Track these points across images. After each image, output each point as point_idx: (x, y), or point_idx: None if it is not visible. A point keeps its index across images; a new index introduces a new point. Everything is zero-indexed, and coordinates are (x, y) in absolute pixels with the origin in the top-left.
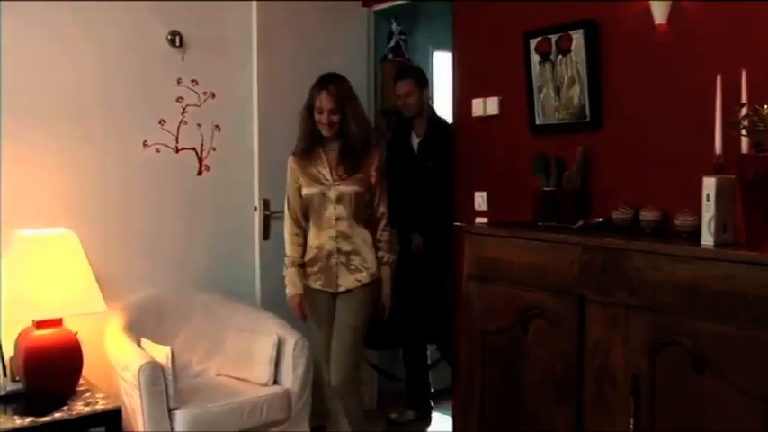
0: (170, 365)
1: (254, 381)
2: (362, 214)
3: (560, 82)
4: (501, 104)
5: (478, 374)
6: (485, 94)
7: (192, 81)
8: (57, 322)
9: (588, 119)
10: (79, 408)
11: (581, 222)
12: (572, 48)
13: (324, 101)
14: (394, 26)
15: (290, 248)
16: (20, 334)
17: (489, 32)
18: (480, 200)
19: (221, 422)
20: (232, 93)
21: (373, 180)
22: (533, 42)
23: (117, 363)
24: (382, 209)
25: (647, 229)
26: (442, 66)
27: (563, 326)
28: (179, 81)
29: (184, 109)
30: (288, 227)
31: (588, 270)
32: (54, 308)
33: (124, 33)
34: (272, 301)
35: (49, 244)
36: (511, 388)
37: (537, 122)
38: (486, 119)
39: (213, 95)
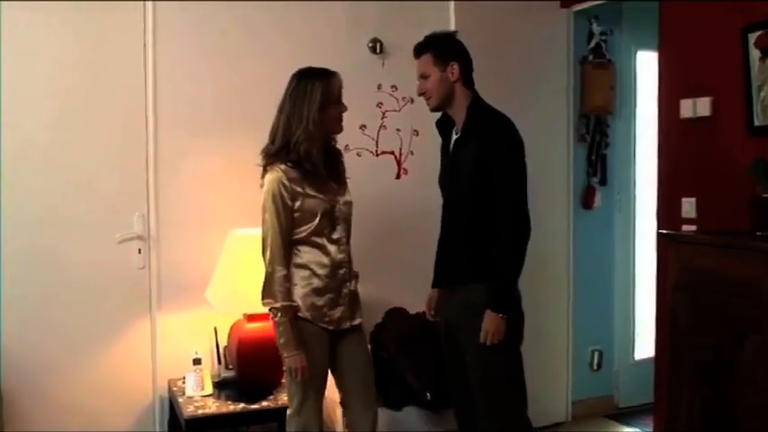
0: None
1: None
2: None
3: None
4: (713, 105)
5: (686, 393)
6: (694, 94)
7: (392, 87)
8: (265, 316)
9: None
10: (284, 398)
11: None
12: None
13: None
14: (594, 26)
15: None
16: (233, 326)
17: (700, 29)
18: (688, 206)
19: None
20: None
21: None
22: (752, 37)
23: None
24: None
25: None
26: (647, 66)
27: None
28: (379, 87)
29: (384, 114)
30: None
31: None
32: None
33: (326, 42)
34: None
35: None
36: (724, 409)
37: (755, 123)
38: (695, 120)
39: (412, 100)
